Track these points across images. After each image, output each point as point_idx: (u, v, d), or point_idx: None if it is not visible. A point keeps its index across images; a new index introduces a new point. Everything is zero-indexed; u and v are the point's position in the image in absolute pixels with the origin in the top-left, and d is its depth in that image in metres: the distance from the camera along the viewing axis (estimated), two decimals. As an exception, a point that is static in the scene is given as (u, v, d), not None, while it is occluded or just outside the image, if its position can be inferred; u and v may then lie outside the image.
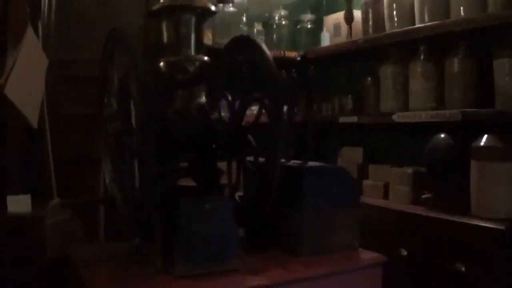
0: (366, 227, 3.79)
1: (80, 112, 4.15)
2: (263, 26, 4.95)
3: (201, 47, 2.29)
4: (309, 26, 4.97)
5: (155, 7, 2.25)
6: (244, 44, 2.21)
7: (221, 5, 4.80)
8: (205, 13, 2.32)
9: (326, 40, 4.62)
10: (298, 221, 2.10)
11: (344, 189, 2.23)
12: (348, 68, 4.64)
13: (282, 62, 4.83)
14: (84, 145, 4.10)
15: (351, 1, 4.31)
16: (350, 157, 4.29)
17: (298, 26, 5.01)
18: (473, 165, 2.99)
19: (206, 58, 2.29)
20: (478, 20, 3.08)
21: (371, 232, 3.65)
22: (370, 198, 3.87)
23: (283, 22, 4.97)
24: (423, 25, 3.46)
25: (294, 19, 5.06)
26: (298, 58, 4.78)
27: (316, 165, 2.29)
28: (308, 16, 4.98)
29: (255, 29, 4.86)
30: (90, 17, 4.60)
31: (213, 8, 2.33)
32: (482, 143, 2.96)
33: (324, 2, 5.08)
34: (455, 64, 3.28)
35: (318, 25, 4.87)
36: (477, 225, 2.91)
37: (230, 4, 4.82)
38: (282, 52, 4.73)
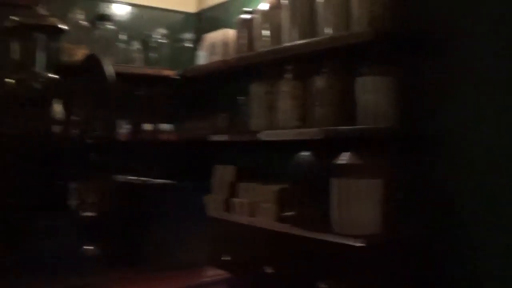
0: (233, 245, 3.69)
1: None
2: (142, 44, 4.75)
3: (53, 64, 2.19)
4: (188, 45, 4.82)
5: (3, 25, 2.09)
6: (93, 62, 2.09)
7: (101, 22, 4.57)
8: (55, 31, 2.17)
9: (202, 58, 4.47)
10: (142, 237, 2.02)
11: (191, 205, 2.15)
12: (223, 87, 4.52)
13: (159, 80, 4.67)
14: None
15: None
16: (223, 175, 4.14)
17: (178, 45, 4.84)
18: (333, 182, 2.90)
19: (55, 75, 2.12)
20: (341, 38, 3.01)
21: (238, 250, 3.54)
22: (239, 216, 3.73)
23: (163, 41, 4.79)
24: (291, 44, 3.37)
25: (175, 38, 4.89)
26: (176, 77, 4.62)
27: (161, 182, 2.23)
28: (188, 35, 4.83)
29: (134, 47, 4.65)
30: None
31: (64, 27, 2.17)
32: (341, 161, 2.87)
33: (205, 22, 4.95)
34: (318, 83, 3.20)
35: (199, 44, 4.71)
36: (338, 242, 2.82)
37: (109, 22, 4.60)
38: (159, 70, 4.57)
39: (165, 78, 4.62)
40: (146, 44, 4.78)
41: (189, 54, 4.78)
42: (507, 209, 2.58)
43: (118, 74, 3.98)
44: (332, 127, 3.03)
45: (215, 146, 4.29)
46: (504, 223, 2.59)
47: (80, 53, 4.33)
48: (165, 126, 4.63)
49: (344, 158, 2.87)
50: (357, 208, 2.81)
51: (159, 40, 4.77)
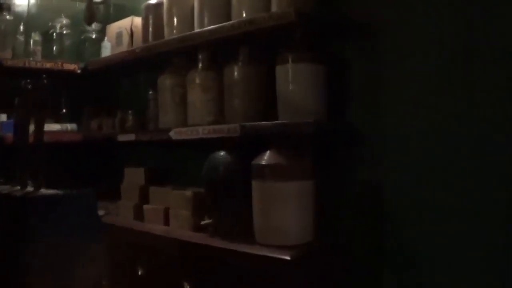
0: (147, 258, 3.20)
1: None
2: (43, 36, 4.16)
3: None
4: (94, 36, 4.25)
5: None
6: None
7: (-4, 12, 3.95)
8: None
9: (107, 50, 3.93)
10: (26, 256, 1.78)
11: (84, 219, 1.92)
12: (132, 80, 3.99)
13: (60, 75, 4.10)
14: None
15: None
16: (133, 178, 3.62)
17: (82, 37, 4.27)
18: (255, 185, 2.45)
19: None
20: (258, 20, 2.54)
21: (153, 263, 3.05)
22: (152, 224, 3.24)
23: (65, 32, 4.21)
24: (201, 30, 2.88)
25: (78, 29, 4.32)
26: (78, 71, 4.06)
27: (48, 193, 1.98)
28: (93, 26, 4.25)
29: (31, 40, 4.06)
30: None
31: None
32: (263, 161, 2.42)
33: (111, 11, 4.39)
34: (234, 72, 2.73)
35: (105, 35, 4.16)
36: (261, 255, 2.37)
37: (6, 12, 3.98)
38: (60, 64, 4.00)
39: (67, 73, 4.05)
40: (48, 36, 4.20)
41: (95, 47, 4.22)
42: (444, 212, 2.21)
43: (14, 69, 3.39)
44: (250, 123, 2.57)
45: (123, 147, 3.77)
46: (440, 226, 2.23)
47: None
48: (67, 126, 4.07)
49: (264, 157, 2.42)
50: (281, 214, 2.38)
51: (61, 32, 4.19)
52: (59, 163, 4.05)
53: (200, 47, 2.94)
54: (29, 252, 1.78)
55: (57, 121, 4.09)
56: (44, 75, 3.60)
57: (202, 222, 2.80)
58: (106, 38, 4.03)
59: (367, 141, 2.41)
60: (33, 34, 4.07)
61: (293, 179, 2.36)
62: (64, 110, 4.20)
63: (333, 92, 2.47)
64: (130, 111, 3.69)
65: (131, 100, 3.83)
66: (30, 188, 2.08)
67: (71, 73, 4.05)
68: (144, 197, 3.42)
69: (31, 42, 4.02)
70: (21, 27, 4.03)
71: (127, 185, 3.63)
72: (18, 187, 2.11)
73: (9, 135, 3.71)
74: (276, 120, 2.47)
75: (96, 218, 1.99)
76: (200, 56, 2.95)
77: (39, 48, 4.03)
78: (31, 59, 3.95)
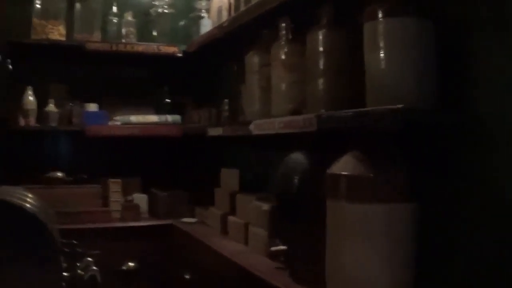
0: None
1: None
2: (144, 15, 3.56)
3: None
4: (202, 14, 3.53)
5: None
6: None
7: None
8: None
9: (206, 28, 3.20)
10: None
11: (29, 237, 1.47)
12: (227, 64, 3.22)
13: (159, 60, 3.46)
14: None
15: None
16: (227, 181, 2.88)
17: (191, 14, 3.57)
18: (329, 206, 1.56)
19: None
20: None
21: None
22: (234, 242, 2.46)
23: (166, 11, 3.57)
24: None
25: (183, 7, 3.66)
26: (179, 54, 3.39)
27: None
28: (203, 3, 3.53)
29: (122, 21, 3.47)
30: None
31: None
32: (335, 170, 1.53)
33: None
34: (315, 41, 1.84)
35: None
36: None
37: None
38: (156, 48, 3.35)
39: (166, 57, 3.40)
40: (148, 16, 3.58)
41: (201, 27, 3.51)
42: None
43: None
44: (328, 112, 1.68)
45: (219, 143, 3.03)
46: None
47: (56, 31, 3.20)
48: (167, 117, 3.43)
49: (338, 165, 1.53)
50: (357, 257, 1.46)
51: (162, 11, 3.55)
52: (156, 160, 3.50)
53: (281, 12, 2.10)
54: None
55: (158, 112, 3.47)
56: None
57: (272, 248, 1.96)
58: (206, 15, 3.31)
59: (501, 144, 1.38)
60: (125, 14, 3.47)
61: (379, 199, 1.43)
62: (166, 100, 3.56)
63: (445, 64, 1.49)
64: (226, 100, 2.93)
65: (228, 87, 3.05)
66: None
67: (170, 57, 3.39)
68: (234, 206, 2.65)
69: (122, 23, 3.41)
70: (114, 8, 3.44)
71: (221, 190, 2.89)
72: None
73: (93, 127, 3.15)
74: (362, 107, 1.54)
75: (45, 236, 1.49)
76: (282, 24, 2.10)
77: (132, 29, 3.41)
78: (123, 41, 3.34)
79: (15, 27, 3.20)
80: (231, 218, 2.58)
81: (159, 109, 3.49)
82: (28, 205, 1.50)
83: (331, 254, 1.54)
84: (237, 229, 2.46)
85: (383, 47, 1.48)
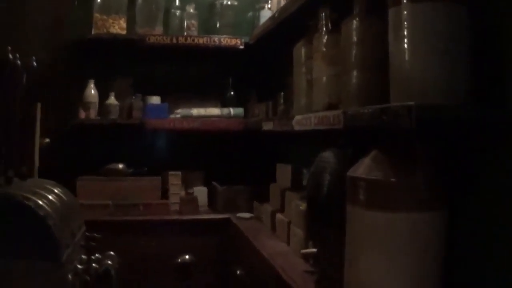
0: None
1: None
2: (209, 7, 3.48)
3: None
4: (267, 6, 3.40)
5: None
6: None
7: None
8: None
9: (265, 19, 3.07)
10: None
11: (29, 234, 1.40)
12: (280, 54, 3.07)
13: (223, 53, 3.37)
14: None
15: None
16: (281, 177, 2.75)
17: (257, 6, 3.45)
18: (348, 212, 1.40)
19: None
20: None
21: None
22: (279, 242, 2.35)
23: (230, 3, 3.47)
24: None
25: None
26: (241, 47, 3.28)
27: None
28: (267, -6, 3.41)
29: (184, 13, 3.39)
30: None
31: None
32: (354, 173, 1.37)
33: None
34: (349, 31, 1.67)
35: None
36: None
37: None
38: (217, 40, 3.26)
39: (228, 49, 3.30)
40: (213, 9, 3.50)
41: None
42: None
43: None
44: (353, 109, 1.51)
45: (275, 138, 2.91)
46: None
47: (117, 25, 3.18)
48: (230, 110, 3.34)
49: (358, 168, 1.36)
50: (376, 269, 1.30)
51: (227, 3, 3.45)
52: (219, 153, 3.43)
53: (323, 1, 1.94)
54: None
55: (223, 105, 3.39)
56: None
57: (303, 251, 1.82)
58: (267, 6, 3.19)
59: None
60: (187, 7, 3.39)
61: (402, 207, 1.26)
62: (231, 93, 3.47)
63: (480, 55, 1.29)
64: (281, 94, 2.80)
65: (283, 80, 2.91)
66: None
67: (233, 49, 3.29)
68: (283, 203, 2.53)
69: (184, 16, 3.34)
70: (177, 0, 3.38)
71: (275, 185, 2.76)
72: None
73: (153, 121, 3.11)
74: (386, 103, 1.36)
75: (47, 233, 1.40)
76: (321, 14, 1.94)
77: (194, 22, 3.33)
78: (185, 33, 3.27)
79: (78, 22, 3.21)
80: (278, 216, 2.45)
81: (225, 103, 3.41)
82: (34, 200, 1.43)
83: (349, 263, 1.38)
84: (282, 228, 2.34)
85: (407, 35, 1.30)
